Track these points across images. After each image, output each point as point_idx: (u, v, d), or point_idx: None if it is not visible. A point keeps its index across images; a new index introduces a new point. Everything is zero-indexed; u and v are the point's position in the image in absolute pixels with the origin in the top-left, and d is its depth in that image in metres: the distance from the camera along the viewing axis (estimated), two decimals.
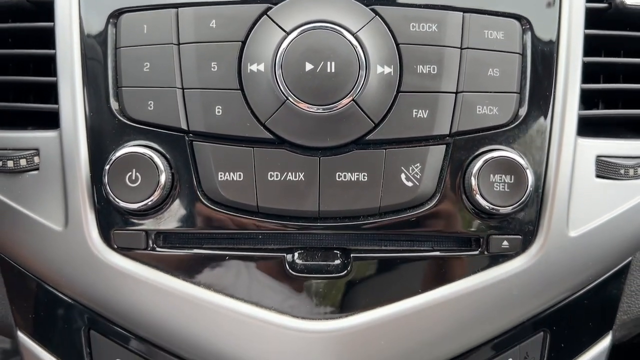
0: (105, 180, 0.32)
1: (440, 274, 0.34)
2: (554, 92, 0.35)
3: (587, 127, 0.36)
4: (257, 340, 0.34)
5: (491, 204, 0.33)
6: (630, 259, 0.40)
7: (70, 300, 0.37)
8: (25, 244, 0.37)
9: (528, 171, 0.33)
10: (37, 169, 0.35)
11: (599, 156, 0.35)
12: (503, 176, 0.33)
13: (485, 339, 0.37)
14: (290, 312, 0.34)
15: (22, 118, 0.37)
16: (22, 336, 0.39)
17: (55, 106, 0.34)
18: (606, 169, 0.35)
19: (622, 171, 0.36)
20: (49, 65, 0.36)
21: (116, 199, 0.33)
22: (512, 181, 0.33)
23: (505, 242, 0.34)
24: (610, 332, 0.40)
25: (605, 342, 0.40)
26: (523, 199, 0.33)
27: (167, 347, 0.36)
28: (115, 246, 0.34)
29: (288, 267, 0.33)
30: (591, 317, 0.39)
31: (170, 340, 0.36)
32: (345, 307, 0.34)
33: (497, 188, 0.33)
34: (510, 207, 0.32)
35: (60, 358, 0.39)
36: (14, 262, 0.38)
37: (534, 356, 0.39)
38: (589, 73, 0.35)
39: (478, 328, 0.36)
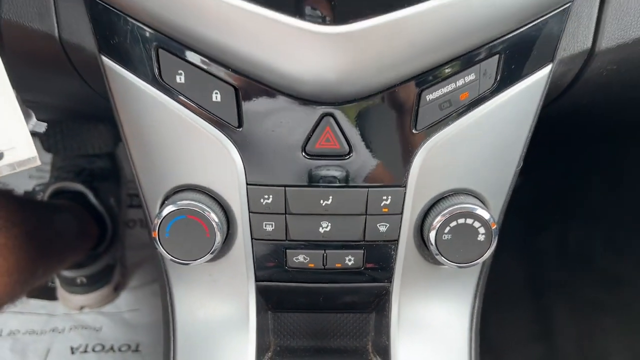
0: None
1: None
2: None
3: None
4: (286, 44, 0.45)
5: None
6: (569, 3, 0.51)
7: (141, 23, 0.48)
8: None
9: None
10: None
11: None
12: None
13: (453, 55, 0.50)
14: (310, 20, 0.43)
15: None
16: (104, 58, 0.51)
17: None
18: None
19: None
20: None
21: None
22: None
23: None
24: (551, 63, 0.53)
25: (546, 70, 0.52)
26: None
27: (217, 56, 0.48)
28: None
29: None
30: (536, 48, 0.51)
31: (219, 50, 0.47)
32: (349, 16, 0.44)
33: None
34: None
35: (135, 73, 0.51)
36: None
37: (490, 73, 0.51)
38: None
39: (450, 43, 0.47)
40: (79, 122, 0.54)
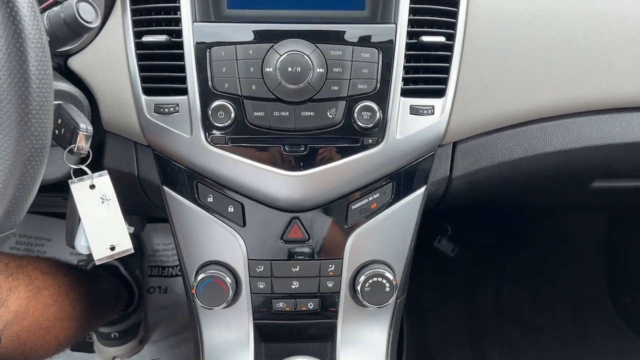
0: (209, 114, 0.80)
1: (347, 153, 0.77)
2: (391, 79, 0.83)
3: (408, 93, 0.84)
4: (271, 181, 0.82)
5: (364, 127, 0.81)
6: (433, 152, 0.88)
7: (189, 169, 0.82)
8: (170, 144, 0.82)
9: (379, 112, 0.81)
10: (178, 112, 0.81)
11: (411, 105, 0.83)
12: (367, 113, 0.82)
13: (366, 183, 0.86)
14: (285, 169, 0.81)
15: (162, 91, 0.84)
16: (165, 188, 0.87)
17: (185, 86, 0.82)
18: (415, 110, 0.82)
19: (422, 112, 0.84)
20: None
21: (213, 124, 0.80)
22: (371, 115, 0.82)
23: (370, 140, 0.80)
24: (425, 184, 0.89)
25: (422, 189, 0.87)
26: (375, 122, 0.81)
27: (232, 187, 0.84)
28: (212, 142, 0.80)
29: (283, 150, 0.81)
30: (416, 178, 0.88)
31: (233, 184, 0.84)
32: (306, 166, 0.82)
33: (365, 117, 0.82)
34: (371, 125, 0.81)
35: (183, 196, 0.87)
36: (163, 154, 0.82)
37: (388, 193, 0.86)
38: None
39: (363, 177, 0.83)
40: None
